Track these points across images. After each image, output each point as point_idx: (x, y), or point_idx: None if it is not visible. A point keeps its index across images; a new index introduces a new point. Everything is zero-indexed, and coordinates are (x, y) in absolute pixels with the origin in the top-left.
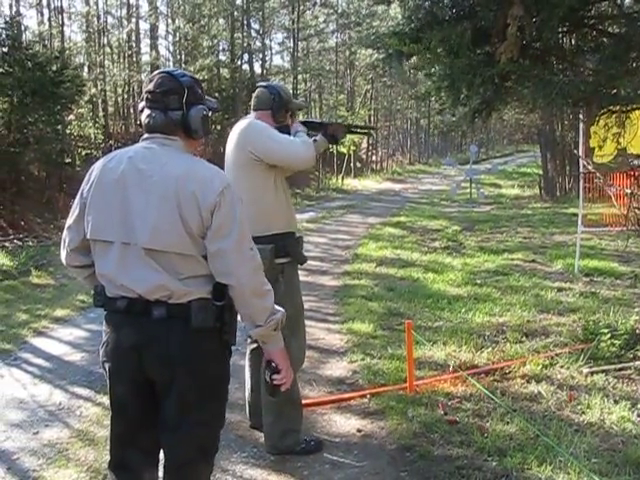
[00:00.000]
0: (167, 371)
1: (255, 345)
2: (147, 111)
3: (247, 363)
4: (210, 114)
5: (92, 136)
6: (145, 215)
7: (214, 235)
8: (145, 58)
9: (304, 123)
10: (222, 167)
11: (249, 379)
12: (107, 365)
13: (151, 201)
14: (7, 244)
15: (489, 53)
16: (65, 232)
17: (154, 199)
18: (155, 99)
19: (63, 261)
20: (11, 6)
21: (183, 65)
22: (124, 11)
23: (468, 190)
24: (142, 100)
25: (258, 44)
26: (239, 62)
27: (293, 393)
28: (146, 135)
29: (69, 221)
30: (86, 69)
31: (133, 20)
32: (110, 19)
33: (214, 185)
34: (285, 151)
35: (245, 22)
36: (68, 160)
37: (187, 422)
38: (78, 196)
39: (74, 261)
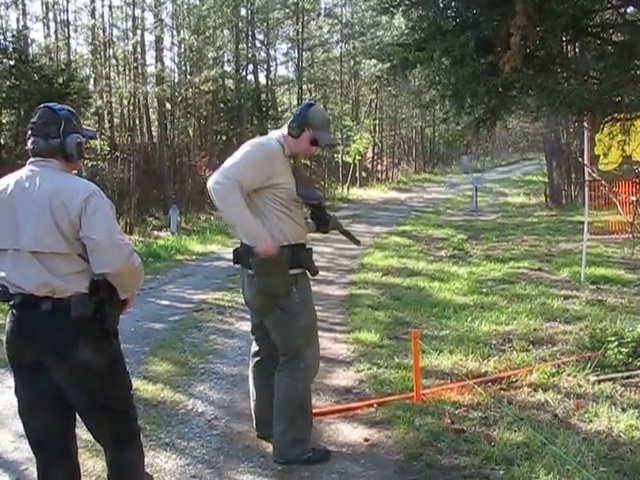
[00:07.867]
0: (52, 354)
1: (259, 357)
2: (32, 138)
3: (251, 375)
4: (87, 140)
5: (98, 148)
6: (27, 224)
7: (86, 234)
8: (151, 70)
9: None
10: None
11: (254, 390)
12: (8, 350)
13: (31, 213)
14: None
15: (493, 63)
16: None
17: (34, 211)
18: (37, 128)
19: None
20: (18, 20)
21: (188, 76)
22: (129, 23)
23: (474, 198)
24: (29, 130)
25: (263, 55)
26: (244, 73)
27: (305, 403)
28: (31, 160)
29: None
30: (92, 81)
31: (138, 32)
32: (116, 31)
33: (79, 194)
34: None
35: (250, 33)
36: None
37: (84, 392)
38: None
39: None
